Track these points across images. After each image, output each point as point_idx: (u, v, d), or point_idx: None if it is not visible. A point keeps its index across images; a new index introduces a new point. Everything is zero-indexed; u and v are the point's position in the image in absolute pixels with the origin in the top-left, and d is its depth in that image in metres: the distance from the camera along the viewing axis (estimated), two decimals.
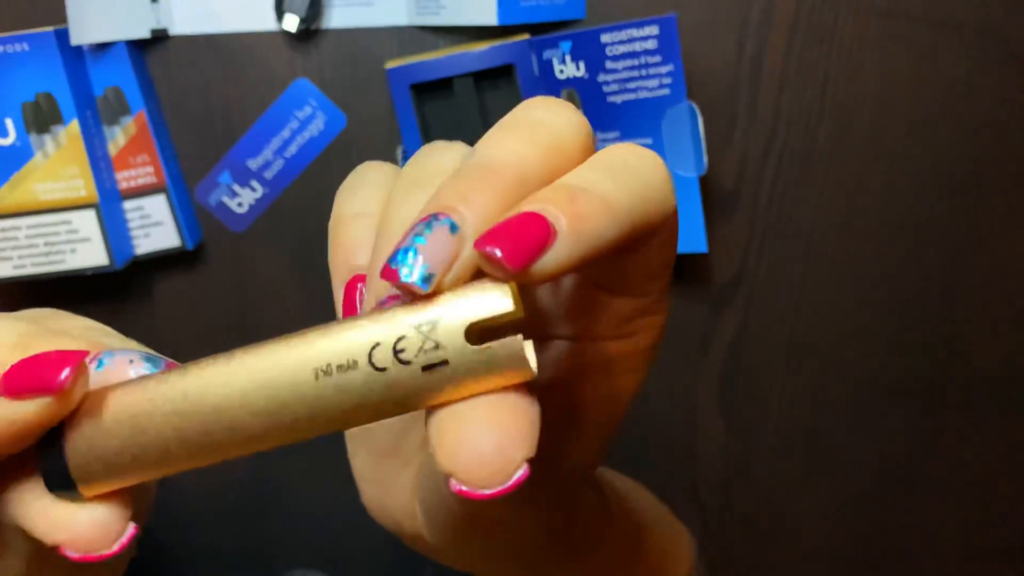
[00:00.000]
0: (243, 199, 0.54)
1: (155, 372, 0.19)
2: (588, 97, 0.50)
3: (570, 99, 0.50)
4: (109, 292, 0.55)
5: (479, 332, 0.18)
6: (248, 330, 0.56)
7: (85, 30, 0.49)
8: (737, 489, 0.60)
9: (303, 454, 0.59)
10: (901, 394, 0.57)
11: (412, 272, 0.17)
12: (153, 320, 0.56)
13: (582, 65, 0.49)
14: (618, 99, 0.49)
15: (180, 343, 0.56)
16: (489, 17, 0.48)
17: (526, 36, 0.50)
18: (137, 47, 0.52)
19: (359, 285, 0.21)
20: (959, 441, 0.58)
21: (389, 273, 0.17)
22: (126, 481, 0.19)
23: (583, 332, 0.22)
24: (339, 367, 0.17)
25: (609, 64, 0.49)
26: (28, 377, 0.18)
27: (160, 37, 0.52)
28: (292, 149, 0.53)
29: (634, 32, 0.47)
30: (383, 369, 0.17)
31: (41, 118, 0.50)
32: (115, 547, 0.19)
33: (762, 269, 0.55)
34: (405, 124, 0.49)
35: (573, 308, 0.22)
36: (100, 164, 0.51)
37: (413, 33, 0.52)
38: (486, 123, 0.50)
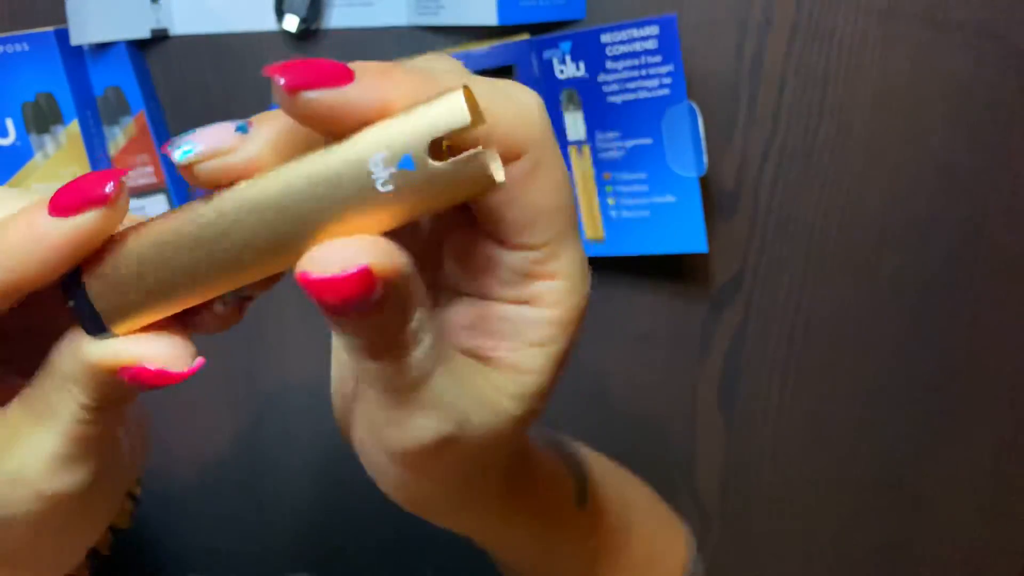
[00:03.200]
0: None
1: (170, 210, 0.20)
2: (588, 97, 0.50)
3: (570, 99, 0.50)
4: None
5: (442, 148, 0.18)
6: (248, 329, 0.56)
7: (85, 30, 0.49)
8: (737, 489, 0.60)
9: (303, 454, 0.59)
10: (902, 393, 0.57)
11: (179, 147, 0.18)
12: None
13: (582, 65, 0.49)
14: (618, 99, 0.49)
15: None
16: (489, 17, 0.48)
17: (526, 36, 0.50)
18: (137, 47, 0.52)
19: None
20: (961, 440, 0.58)
21: (166, 146, 0.18)
22: (154, 315, 0.19)
23: (482, 288, 0.21)
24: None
25: (609, 64, 0.49)
26: (75, 194, 0.18)
27: (160, 37, 0.52)
28: None
29: (634, 32, 0.47)
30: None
31: (41, 118, 0.50)
32: (191, 366, 0.19)
33: (762, 269, 0.55)
34: None
35: (468, 262, 0.21)
36: (100, 164, 0.51)
37: (413, 33, 0.52)
38: None
